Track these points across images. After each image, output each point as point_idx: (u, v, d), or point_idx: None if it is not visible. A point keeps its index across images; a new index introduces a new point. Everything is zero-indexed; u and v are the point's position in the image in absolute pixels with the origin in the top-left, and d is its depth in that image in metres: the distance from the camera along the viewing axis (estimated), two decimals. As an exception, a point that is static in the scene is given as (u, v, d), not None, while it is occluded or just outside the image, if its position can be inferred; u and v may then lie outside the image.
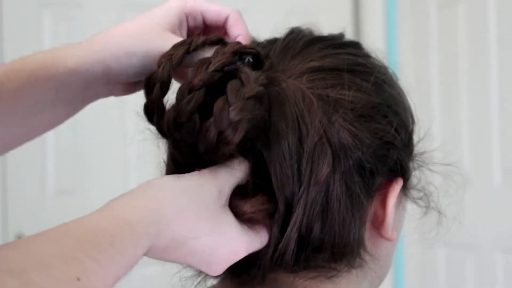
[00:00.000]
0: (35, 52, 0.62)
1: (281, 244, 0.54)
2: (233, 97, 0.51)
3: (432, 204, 0.66)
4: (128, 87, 0.64)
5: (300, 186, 0.54)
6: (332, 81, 0.57)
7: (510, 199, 2.02)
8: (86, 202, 2.20)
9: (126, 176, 2.21)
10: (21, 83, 0.59)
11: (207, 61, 0.54)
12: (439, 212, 0.66)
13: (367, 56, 0.62)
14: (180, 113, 0.51)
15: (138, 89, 0.64)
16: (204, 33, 0.64)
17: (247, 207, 0.54)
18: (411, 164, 0.63)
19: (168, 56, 0.55)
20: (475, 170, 2.04)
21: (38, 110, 0.62)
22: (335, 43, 0.62)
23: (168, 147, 0.60)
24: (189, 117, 0.51)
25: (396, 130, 0.58)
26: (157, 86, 0.53)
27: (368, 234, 0.59)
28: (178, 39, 0.58)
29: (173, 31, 0.61)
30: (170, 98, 0.54)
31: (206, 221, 0.49)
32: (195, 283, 0.61)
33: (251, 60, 0.56)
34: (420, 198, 0.65)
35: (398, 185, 0.59)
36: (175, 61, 0.54)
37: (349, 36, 0.64)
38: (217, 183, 0.52)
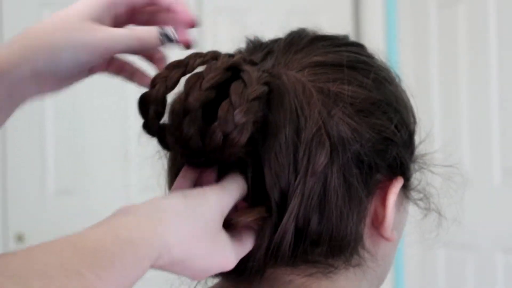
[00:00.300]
0: None
1: (277, 234, 0.54)
2: (237, 99, 0.52)
3: (432, 205, 0.66)
4: (60, 82, 0.61)
5: (296, 176, 0.54)
6: (334, 76, 0.57)
7: (510, 199, 2.02)
8: (86, 202, 2.20)
9: (126, 176, 2.21)
10: None
11: (200, 76, 0.54)
12: (440, 214, 0.66)
13: (370, 56, 0.62)
14: (182, 138, 0.52)
15: (72, 83, 0.62)
16: (132, 15, 0.63)
17: (244, 218, 0.54)
18: (412, 166, 0.63)
19: (162, 77, 0.55)
20: (475, 170, 2.04)
21: None
22: (339, 42, 0.63)
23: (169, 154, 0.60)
24: (190, 138, 0.52)
25: (396, 127, 0.58)
26: (152, 109, 0.54)
27: (367, 233, 0.59)
28: (102, 28, 0.58)
29: (97, 21, 0.59)
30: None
31: (205, 245, 0.50)
32: (195, 282, 0.61)
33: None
34: (421, 199, 0.65)
35: (398, 184, 0.59)
36: (170, 85, 0.55)
37: (349, 36, 0.65)
38: (221, 207, 0.52)
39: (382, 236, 0.59)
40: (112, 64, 0.66)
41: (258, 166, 0.55)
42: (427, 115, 0.65)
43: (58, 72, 0.59)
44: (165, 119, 0.55)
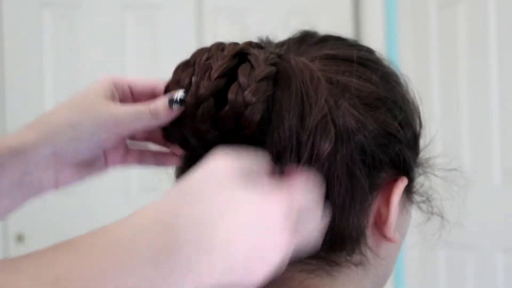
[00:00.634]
0: None
1: None
2: (246, 80, 0.53)
3: (435, 209, 0.66)
4: (79, 170, 0.60)
5: (299, 161, 0.54)
6: (343, 68, 0.58)
7: (510, 199, 2.02)
8: (86, 202, 2.20)
9: (126, 176, 2.21)
10: None
11: (208, 67, 0.55)
12: (442, 217, 0.66)
13: (380, 58, 0.63)
14: (198, 131, 0.54)
15: (90, 172, 0.61)
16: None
17: None
18: (416, 168, 0.63)
19: (175, 82, 0.57)
20: (475, 170, 2.04)
21: None
22: (350, 43, 0.64)
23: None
24: (207, 130, 0.54)
25: (400, 124, 0.59)
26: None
27: (370, 232, 0.59)
28: (116, 104, 0.59)
29: (111, 98, 0.60)
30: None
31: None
32: None
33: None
34: (423, 202, 0.65)
35: (402, 184, 0.59)
36: (183, 87, 0.56)
37: (349, 36, 0.65)
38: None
39: (384, 236, 0.59)
40: (130, 154, 0.65)
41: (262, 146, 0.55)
42: (427, 115, 0.66)
43: (78, 152, 0.58)
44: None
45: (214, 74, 0.54)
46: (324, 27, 0.66)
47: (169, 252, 0.43)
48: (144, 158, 0.66)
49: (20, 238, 2.19)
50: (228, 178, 0.47)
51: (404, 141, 0.60)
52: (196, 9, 2.34)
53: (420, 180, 0.64)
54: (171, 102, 0.56)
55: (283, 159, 0.54)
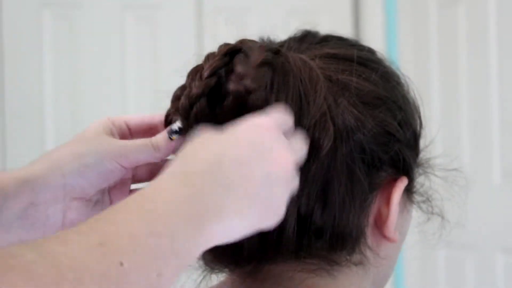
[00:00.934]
0: None
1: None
2: (242, 69, 0.54)
3: (435, 209, 0.66)
4: (86, 207, 0.60)
5: None
6: (343, 67, 0.58)
7: (510, 199, 2.02)
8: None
9: (126, 176, 2.21)
10: None
11: (199, 68, 0.55)
12: (442, 217, 0.66)
13: (381, 59, 0.64)
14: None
15: (97, 208, 0.61)
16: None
17: None
18: (416, 168, 0.63)
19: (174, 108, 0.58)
20: (475, 170, 2.04)
21: None
22: (352, 43, 0.64)
23: None
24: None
25: (399, 124, 0.59)
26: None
27: (370, 232, 0.59)
28: (117, 139, 0.60)
29: (111, 135, 0.62)
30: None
31: None
32: (200, 278, 0.62)
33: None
34: (423, 202, 0.65)
35: (402, 184, 0.59)
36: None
37: (349, 36, 0.65)
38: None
39: (384, 236, 0.59)
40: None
41: None
42: (427, 115, 0.66)
43: (85, 185, 0.58)
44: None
45: (205, 73, 0.54)
46: (324, 27, 0.66)
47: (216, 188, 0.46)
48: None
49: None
50: (267, 128, 0.50)
51: (403, 141, 0.60)
52: (196, 9, 2.34)
53: (420, 180, 0.64)
54: (170, 133, 0.58)
55: None
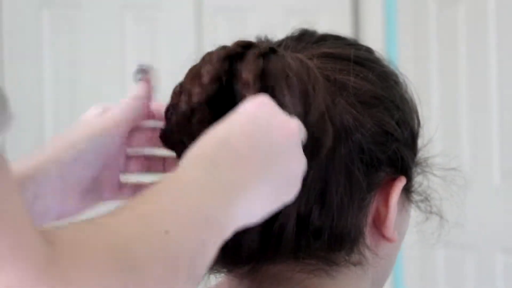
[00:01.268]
0: None
1: (279, 218, 0.54)
2: (250, 77, 0.54)
3: (434, 208, 0.66)
4: (83, 198, 0.61)
5: None
6: (340, 67, 0.58)
7: (510, 199, 2.02)
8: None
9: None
10: None
11: (198, 69, 0.55)
12: (441, 217, 0.66)
13: (379, 58, 0.64)
14: (196, 135, 0.53)
15: (94, 202, 0.62)
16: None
17: None
18: (414, 168, 0.63)
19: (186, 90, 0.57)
20: (474, 170, 2.04)
21: None
22: (350, 42, 0.64)
23: None
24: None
25: (397, 123, 0.59)
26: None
27: (369, 232, 0.59)
28: (105, 114, 0.62)
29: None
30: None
31: None
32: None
33: None
34: (422, 201, 0.65)
35: (401, 183, 0.59)
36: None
37: (349, 36, 0.65)
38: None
39: (383, 236, 0.59)
40: (135, 162, 0.66)
41: None
42: (426, 114, 0.66)
43: (82, 172, 0.59)
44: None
45: (205, 79, 0.54)
46: (323, 27, 0.66)
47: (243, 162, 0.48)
48: (150, 164, 0.66)
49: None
50: (264, 102, 0.52)
51: (401, 140, 0.60)
52: (196, 9, 2.34)
53: (419, 180, 0.64)
54: (135, 76, 0.61)
55: None
